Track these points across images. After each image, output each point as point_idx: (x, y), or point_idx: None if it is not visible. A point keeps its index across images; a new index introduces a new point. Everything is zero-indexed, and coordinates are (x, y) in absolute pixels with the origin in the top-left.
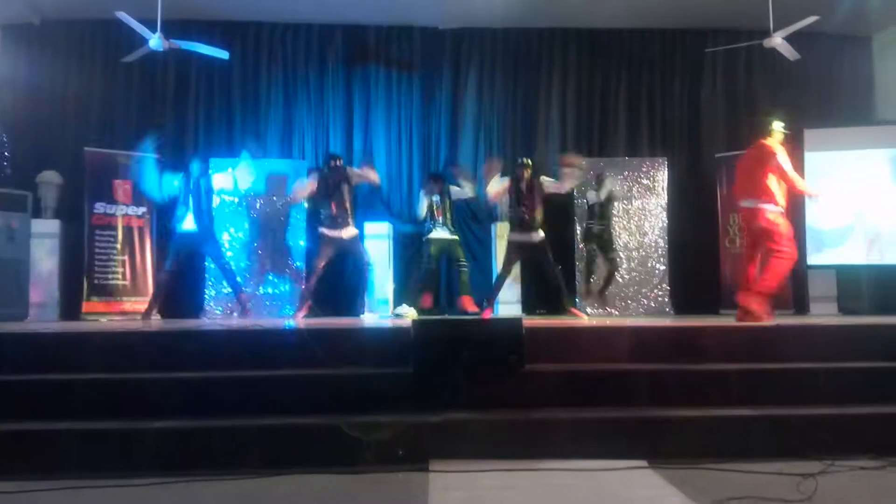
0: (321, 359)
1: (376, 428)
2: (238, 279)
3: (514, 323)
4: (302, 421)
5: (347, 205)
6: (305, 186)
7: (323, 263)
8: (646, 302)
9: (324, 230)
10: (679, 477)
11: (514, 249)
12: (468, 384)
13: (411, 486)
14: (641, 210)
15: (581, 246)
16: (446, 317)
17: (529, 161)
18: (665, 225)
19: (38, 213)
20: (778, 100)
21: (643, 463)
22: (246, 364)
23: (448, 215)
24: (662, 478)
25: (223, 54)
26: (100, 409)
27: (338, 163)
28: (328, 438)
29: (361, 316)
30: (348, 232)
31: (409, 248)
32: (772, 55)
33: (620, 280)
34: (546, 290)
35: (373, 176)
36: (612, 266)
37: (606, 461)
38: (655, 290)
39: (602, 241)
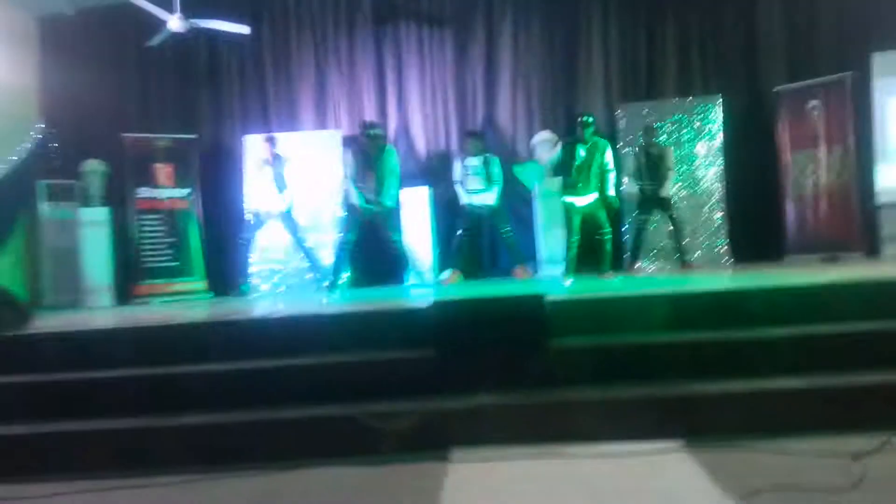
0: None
1: (397, 416)
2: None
3: (535, 299)
4: (323, 411)
5: None
6: None
7: None
8: (700, 253)
9: None
10: (715, 461)
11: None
12: (491, 365)
13: (427, 479)
14: (694, 155)
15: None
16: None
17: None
18: (721, 170)
19: (85, 201)
20: (842, 22)
21: (679, 443)
22: (266, 353)
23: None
24: (696, 463)
25: (244, 29)
26: (125, 405)
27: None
28: (349, 428)
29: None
30: None
31: (451, 212)
32: None
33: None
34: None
35: None
36: (678, 226)
37: (639, 443)
38: (712, 239)
39: (660, 202)
